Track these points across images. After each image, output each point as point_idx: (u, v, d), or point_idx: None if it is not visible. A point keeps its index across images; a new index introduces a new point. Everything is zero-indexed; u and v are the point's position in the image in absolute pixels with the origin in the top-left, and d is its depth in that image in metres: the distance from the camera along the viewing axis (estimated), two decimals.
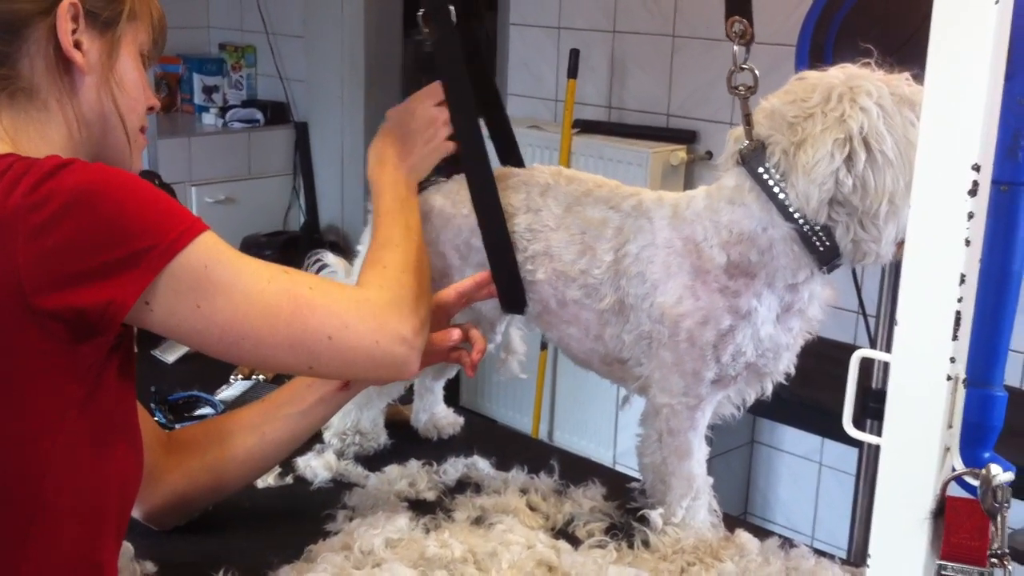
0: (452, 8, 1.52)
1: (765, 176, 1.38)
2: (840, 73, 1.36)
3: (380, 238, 1.46)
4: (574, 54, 3.63)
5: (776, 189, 1.37)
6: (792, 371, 1.52)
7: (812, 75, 1.38)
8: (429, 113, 1.58)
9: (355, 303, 1.26)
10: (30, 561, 1.09)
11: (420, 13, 1.54)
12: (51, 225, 1.03)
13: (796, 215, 1.37)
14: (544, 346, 3.55)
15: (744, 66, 1.39)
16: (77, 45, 1.18)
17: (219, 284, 1.13)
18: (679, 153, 3.45)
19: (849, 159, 1.32)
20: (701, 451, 1.53)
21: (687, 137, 3.51)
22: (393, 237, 1.45)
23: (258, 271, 1.19)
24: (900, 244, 1.36)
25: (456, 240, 1.61)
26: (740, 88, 1.40)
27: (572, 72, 3.63)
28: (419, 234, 1.50)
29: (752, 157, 1.39)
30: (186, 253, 1.10)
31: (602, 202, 1.53)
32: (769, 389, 1.53)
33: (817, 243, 1.38)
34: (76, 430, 1.10)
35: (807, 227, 1.37)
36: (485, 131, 1.72)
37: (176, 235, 1.10)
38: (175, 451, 1.46)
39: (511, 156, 1.71)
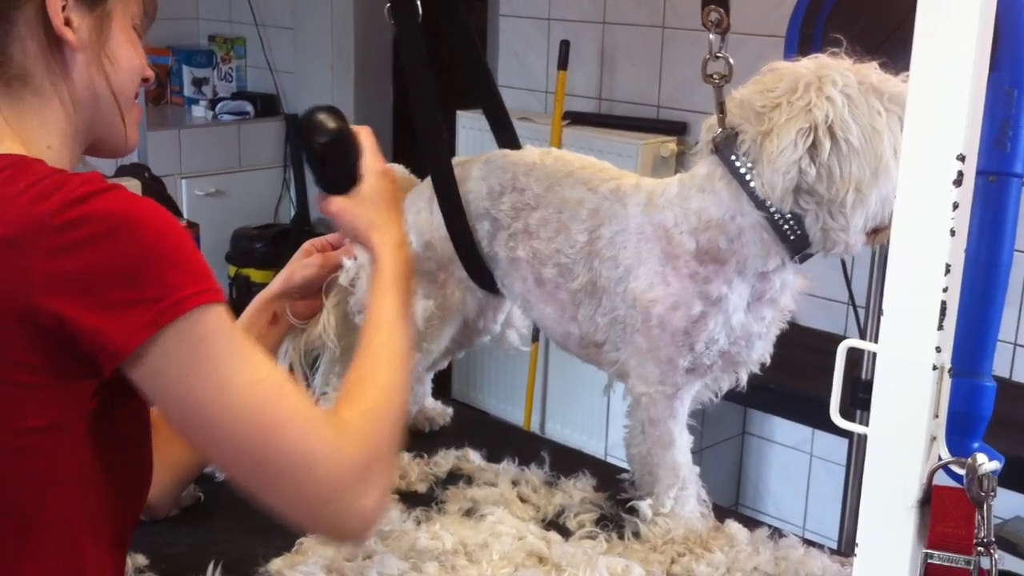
0: (419, 3, 1.53)
1: (737, 164, 1.40)
2: (810, 63, 1.37)
3: (366, 353, 1.30)
4: (564, 45, 3.63)
5: (748, 177, 1.39)
6: (767, 360, 1.53)
7: (783, 65, 1.40)
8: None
9: (332, 451, 1.12)
10: (22, 573, 1.08)
11: (387, 7, 1.54)
12: (74, 250, 1.00)
13: (767, 203, 1.38)
14: (536, 337, 3.55)
15: (719, 55, 1.40)
16: (67, 22, 1.14)
17: (208, 363, 1.06)
18: (669, 145, 3.44)
19: (814, 148, 1.33)
20: (683, 440, 1.54)
21: (677, 129, 3.51)
22: (379, 362, 1.28)
23: (252, 366, 1.10)
24: (871, 233, 1.37)
25: None
26: (715, 76, 1.41)
27: (562, 63, 3.62)
28: (408, 310, 1.37)
29: (724, 145, 1.41)
30: (190, 317, 1.04)
31: (581, 183, 1.55)
32: (744, 379, 1.54)
33: (788, 231, 1.39)
34: (77, 453, 1.09)
35: (777, 216, 1.39)
36: (482, 118, 1.74)
37: (186, 295, 1.04)
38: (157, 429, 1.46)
39: (507, 142, 1.72)
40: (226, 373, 1.07)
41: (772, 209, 1.38)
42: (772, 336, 1.51)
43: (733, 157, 1.40)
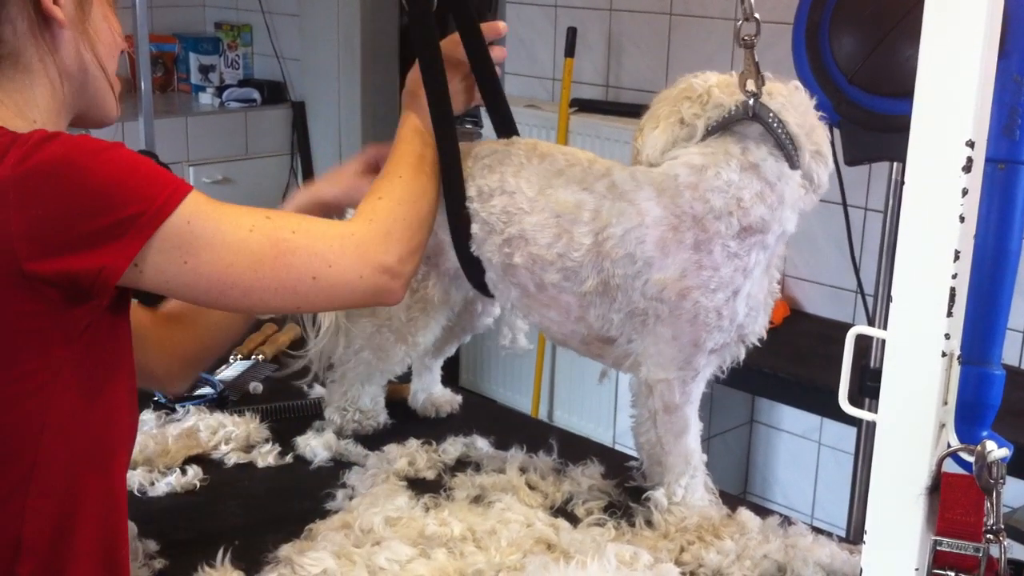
0: None
1: (776, 127, 1.43)
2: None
3: (388, 168, 1.47)
4: (571, 32, 3.62)
5: (785, 138, 1.43)
6: (764, 334, 1.55)
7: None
8: (464, 56, 1.59)
9: (338, 239, 1.27)
10: (31, 508, 1.13)
11: None
12: (41, 194, 1.05)
13: (798, 162, 1.45)
14: None
15: (756, 16, 1.39)
16: (55, 0, 1.18)
17: (203, 238, 1.15)
18: None
19: None
20: (697, 425, 1.55)
21: None
22: (399, 168, 1.46)
23: (239, 220, 1.20)
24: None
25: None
26: (746, 39, 1.40)
27: (569, 51, 3.62)
28: (433, 166, 1.51)
29: (761, 109, 1.43)
30: (172, 216, 1.12)
31: (575, 183, 1.53)
32: (743, 354, 1.55)
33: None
34: (69, 387, 1.12)
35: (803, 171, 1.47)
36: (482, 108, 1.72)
37: (163, 200, 1.11)
38: (174, 322, 1.50)
39: (507, 132, 1.71)
40: (223, 238, 1.17)
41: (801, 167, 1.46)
42: (770, 307, 1.54)
43: (770, 119, 1.43)
